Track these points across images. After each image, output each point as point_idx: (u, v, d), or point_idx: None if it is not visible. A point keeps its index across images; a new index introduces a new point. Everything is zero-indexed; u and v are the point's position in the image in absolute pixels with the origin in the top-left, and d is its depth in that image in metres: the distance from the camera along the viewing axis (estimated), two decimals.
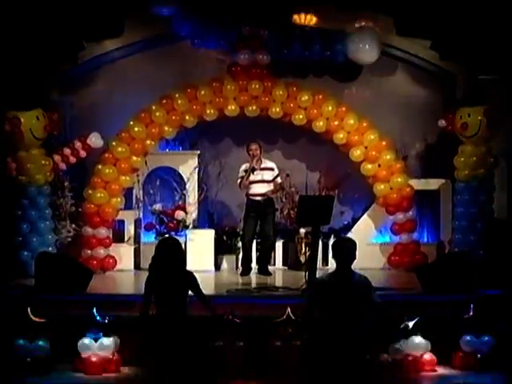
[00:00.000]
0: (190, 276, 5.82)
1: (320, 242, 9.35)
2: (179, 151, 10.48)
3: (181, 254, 5.84)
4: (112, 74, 10.49)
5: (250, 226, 9.39)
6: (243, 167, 9.43)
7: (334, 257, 5.56)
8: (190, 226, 10.09)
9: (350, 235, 10.10)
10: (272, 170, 9.47)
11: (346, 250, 5.52)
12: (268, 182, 9.39)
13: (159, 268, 5.74)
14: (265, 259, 9.60)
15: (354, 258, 5.54)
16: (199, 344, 5.95)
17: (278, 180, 9.51)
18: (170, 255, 5.72)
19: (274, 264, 10.26)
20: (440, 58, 10.04)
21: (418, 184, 10.27)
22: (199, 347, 5.96)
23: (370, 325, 5.49)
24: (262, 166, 9.44)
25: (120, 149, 9.83)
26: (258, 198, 9.36)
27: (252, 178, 9.35)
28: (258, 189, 9.36)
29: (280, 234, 10.18)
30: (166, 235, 9.80)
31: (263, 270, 9.44)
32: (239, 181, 9.40)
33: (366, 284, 5.56)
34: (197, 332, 5.86)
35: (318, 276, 5.78)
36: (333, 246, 5.66)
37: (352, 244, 5.59)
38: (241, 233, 10.04)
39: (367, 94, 10.53)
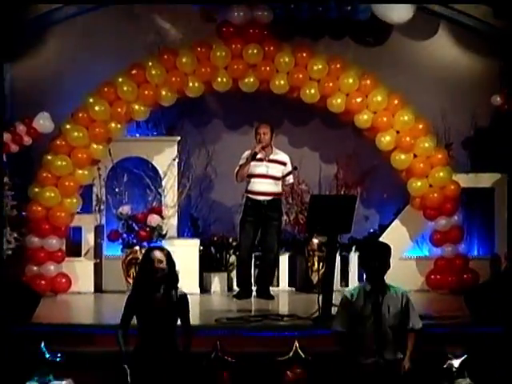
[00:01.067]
0: (184, 299, 5.86)
1: (338, 256, 9.35)
2: (153, 137, 10.51)
3: (174, 269, 5.86)
4: (65, 36, 10.49)
5: (248, 235, 9.39)
6: (246, 153, 9.42)
7: (362, 265, 5.61)
8: (168, 235, 10.10)
9: None
10: (283, 164, 9.45)
11: (377, 255, 5.57)
12: (275, 178, 9.37)
13: (146, 286, 5.76)
14: (265, 278, 9.60)
15: (389, 267, 5.59)
16: None
17: (290, 179, 9.52)
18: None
19: (278, 285, 10.29)
20: (494, 15, 10.03)
21: (465, 180, 10.29)
22: None
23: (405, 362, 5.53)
24: (272, 156, 9.41)
25: (76, 134, 9.81)
26: (259, 198, 9.35)
27: (253, 169, 9.31)
28: (259, 185, 9.35)
29: (286, 246, 10.21)
30: (137, 247, 9.82)
31: (263, 293, 9.44)
32: (237, 169, 9.38)
33: (404, 301, 5.61)
34: (186, 371, 5.88)
35: (347, 291, 5.84)
36: (361, 250, 5.68)
37: (385, 248, 5.66)
38: (234, 244, 10.10)
39: (399, 63, 10.54)
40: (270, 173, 9.34)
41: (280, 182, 9.43)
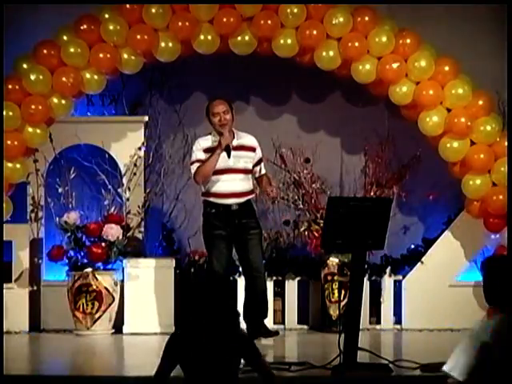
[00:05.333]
0: (244, 339, 5.75)
1: (366, 282, 9.39)
2: (111, 117, 10.62)
3: (233, 301, 5.83)
4: None
5: (221, 254, 9.32)
6: (201, 144, 9.32)
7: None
8: (132, 253, 10.12)
9: (420, 268, 10.07)
10: (253, 150, 9.42)
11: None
12: (245, 172, 9.34)
13: (197, 323, 5.63)
14: (258, 310, 9.42)
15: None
16: None
17: (263, 169, 9.50)
18: (218, 301, 5.62)
19: (283, 321, 10.33)
20: None
21: None
22: None
23: None
24: (237, 141, 9.35)
25: (4, 113, 9.78)
26: (228, 202, 9.27)
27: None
28: (225, 184, 9.25)
29: (294, 268, 10.24)
30: (88, 269, 9.74)
31: (259, 329, 9.26)
32: (195, 166, 9.26)
33: None
34: None
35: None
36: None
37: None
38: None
39: (452, 16, 10.54)
40: (239, 165, 9.30)
41: (250, 176, 9.40)
